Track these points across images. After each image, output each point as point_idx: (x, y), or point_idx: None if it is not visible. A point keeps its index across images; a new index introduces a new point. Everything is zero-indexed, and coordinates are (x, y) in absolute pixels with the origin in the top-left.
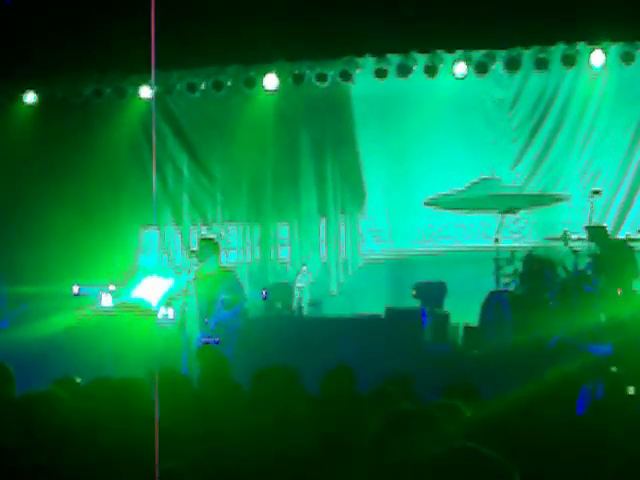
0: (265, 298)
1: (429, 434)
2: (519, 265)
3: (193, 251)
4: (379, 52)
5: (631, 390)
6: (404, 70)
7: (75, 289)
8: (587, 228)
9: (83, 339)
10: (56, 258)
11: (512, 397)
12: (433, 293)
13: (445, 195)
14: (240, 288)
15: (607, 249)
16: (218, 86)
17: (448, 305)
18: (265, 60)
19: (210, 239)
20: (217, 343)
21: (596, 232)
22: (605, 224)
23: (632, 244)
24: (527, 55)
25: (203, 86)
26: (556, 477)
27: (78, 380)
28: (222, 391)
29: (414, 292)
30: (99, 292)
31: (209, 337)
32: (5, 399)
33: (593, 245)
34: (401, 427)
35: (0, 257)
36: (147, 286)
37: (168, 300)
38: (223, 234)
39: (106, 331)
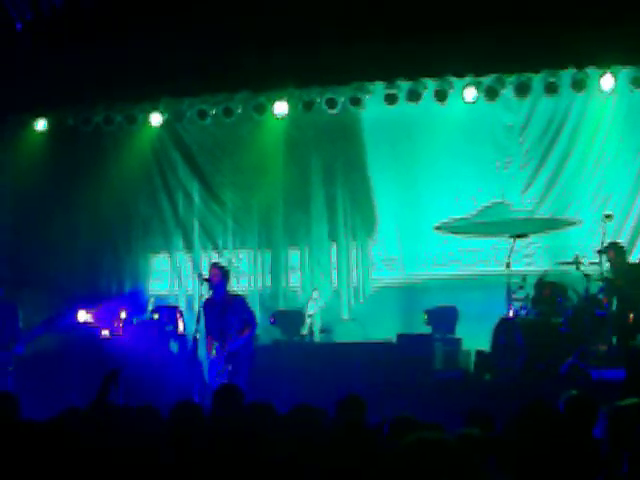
0: (274, 323)
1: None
2: (530, 290)
3: (201, 275)
4: (389, 78)
5: None
6: (414, 95)
7: (82, 316)
8: (609, 246)
9: None
10: (67, 283)
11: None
12: (445, 319)
13: (456, 220)
14: (251, 313)
15: (620, 272)
16: (228, 112)
17: (460, 330)
18: (275, 86)
19: (219, 264)
20: (228, 372)
21: (616, 250)
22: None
23: None
24: (537, 79)
25: (213, 112)
26: None
27: None
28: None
29: (426, 318)
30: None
31: (220, 369)
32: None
33: (607, 266)
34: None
35: (14, 281)
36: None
37: None
38: (234, 260)
39: None
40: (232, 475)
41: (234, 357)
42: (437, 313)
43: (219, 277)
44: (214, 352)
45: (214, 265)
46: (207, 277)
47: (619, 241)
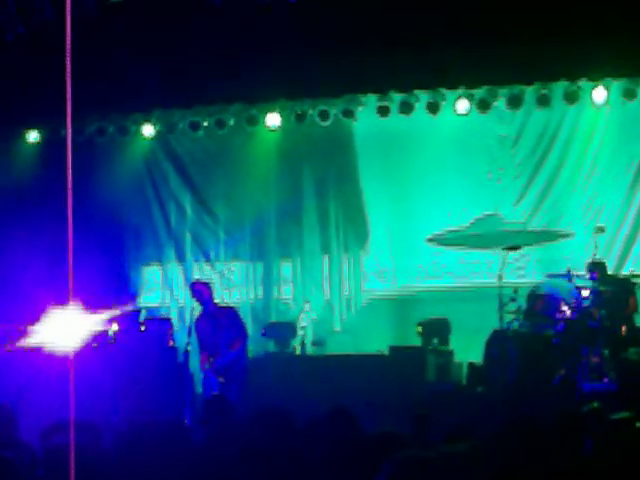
0: (265, 335)
1: None
2: (523, 302)
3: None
4: (381, 90)
5: None
6: (406, 107)
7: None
8: (589, 264)
9: None
10: (57, 295)
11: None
12: (437, 331)
13: (448, 232)
14: (242, 325)
15: (609, 285)
16: (221, 124)
17: (452, 343)
18: (267, 98)
19: (201, 282)
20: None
21: (597, 268)
22: (604, 260)
23: (635, 280)
24: (529, 92)
25: (206, 124)
26: None
27: None
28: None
29: (418, 330)
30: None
31: (214, 381)
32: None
33: (595, 281)
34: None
35: (3, 290)
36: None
37: None
38: (225, 272)
39: None
40: None
41: (226, 370)
42: (429, 325)
43: (205, 293)
44: (208, 365)
45: (196, 283)
46: (192, 295)
47: (597, 259)
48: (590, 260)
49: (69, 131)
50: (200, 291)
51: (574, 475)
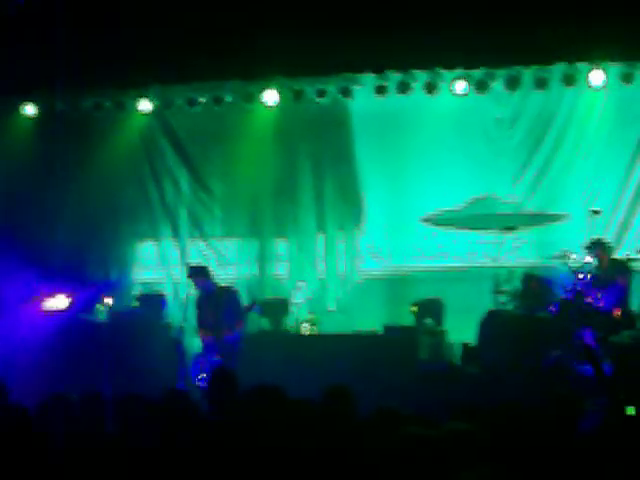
0: (259, 313)
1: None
2: (517, 283)
3: (190, 265)
4: (379, 69)
5: (631, 411)
6: (404, 87)
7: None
8: (596, 243)
9: None
10: (54, 270)
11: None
12: (431, 310)
13: (444, 212)
14: (242, 307)
15: (608, 266)
16: (218, 101)
17: (446, 323)
18: (265, 76)
19: (196, 269)
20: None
21: (603, 249)
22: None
23: (631, 264)
24: (527, 74)
25: (203, 101)
26: None
27: None
28: None
29: (413, 309)
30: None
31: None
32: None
33: (593, 261)
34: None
35: None
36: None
37: None
38: (221, 249)
39: None
40: (228, 461)
41: (224, 349)
42: (424, 305)
43: (202, 279)
44: (206, 343)
45: (191, 269)
46: (189, 275)
47: (605, 238)
48: (595, 238)
49: None
50: (198, 281)
51: (568, 456)
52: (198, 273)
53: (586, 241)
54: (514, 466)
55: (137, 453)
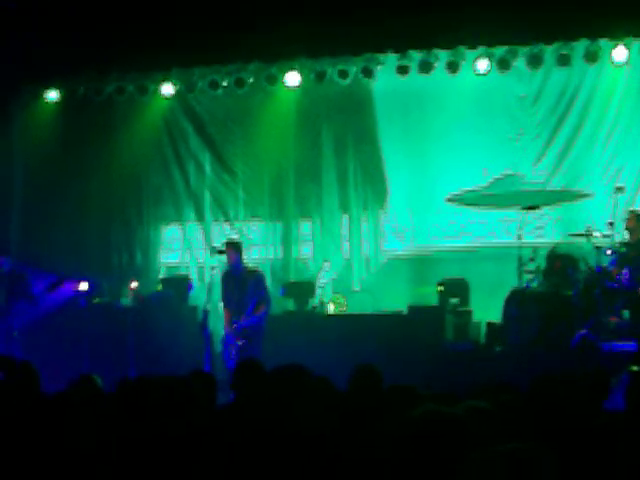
0: (284, 294)
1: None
2: (542, 262)
3: (215, 248)
4: (401, 48)
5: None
6: (426, 67)
7: (84, 285)
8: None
9: None
10: (78, 253)
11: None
12: (457, 290)
13: (467, 192)
14: (266, 291)
15: (630, 246)
16: (240, 83)
17: (471, 302)
18: (287, 57)
19: (233, 242)
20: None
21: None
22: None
23: None
24: (549, 51)
25: (225, 83)
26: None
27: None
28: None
29: (439, 289)
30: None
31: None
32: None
33: (620, 237)
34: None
35: (25, 251)
36: None
37: None
38: (245, 231)
39: None
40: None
41: (247, 332)
42: (449, 285)
43: (234, 254)
44: (232, 327)
45: (228, 245)
46: (221, 249)
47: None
48: (629, 210)
49: None
50: (230, 253)
51: (593, 434)
52: (234, 247)
53: (610, 218)
54: (537, 444)
55: (158, 440)
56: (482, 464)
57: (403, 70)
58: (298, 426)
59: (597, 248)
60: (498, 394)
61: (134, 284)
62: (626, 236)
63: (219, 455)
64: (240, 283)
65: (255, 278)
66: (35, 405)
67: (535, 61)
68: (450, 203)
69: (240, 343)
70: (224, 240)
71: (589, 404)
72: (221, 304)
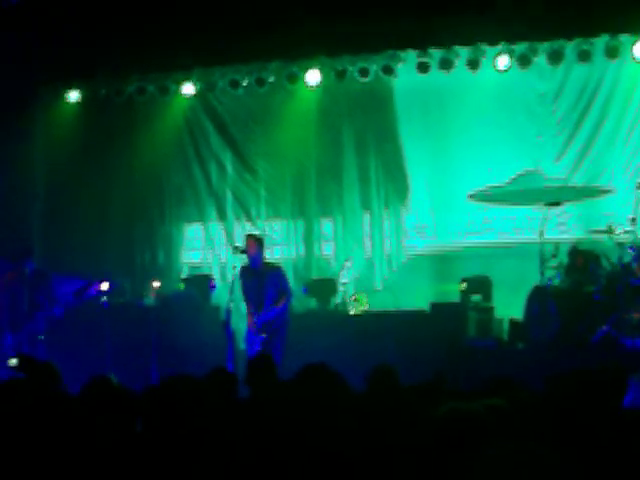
0: (307, 293)
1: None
2: (564, 258)
3: (237, 247)
4: (421, 46)
5: None
6: (446, 64)
7: (105, 285)
8: None
9: None
10: (100, 253)
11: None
12: (480, 287)
13: (489, 188)
14: (287, 284)
15: None
16: (260, 82)
17: (493, 299)
18: (307, 56)
19: (255, 235)
20: (263, 340)
21: None
22: None
23: None
24: (570, 47)
25: (245, 82)
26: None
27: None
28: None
29: (462, 286)
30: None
31: (256, 337)
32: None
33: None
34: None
35: (47, 252)
36: None
37: None
38: (267, 230)
39: None
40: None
41: (269, 326)
42: (472, 281)
43: (255, 248)
44: (254, 326)
45: (249, 237)
46: (243, 249)
47: None
48: None
49: None
50: (251, 245)
51: (611, 431)
52: (255, 239)
53: (632, 214)
54: (552, 442)
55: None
56: (496, 461)
57: (424, 67)
58: (311, 426)
59: (619, 244)
60: (503, 391)
61: (156, 284)
62: None
63: (229, 452)
64: (259, 277)
65: (274, 271)
66: (56, 405)
67: (556, 57)
68: (472, 200)
69: (265, 337)
70: (248, 233)
71: (607, 401)
72: (243, 303)
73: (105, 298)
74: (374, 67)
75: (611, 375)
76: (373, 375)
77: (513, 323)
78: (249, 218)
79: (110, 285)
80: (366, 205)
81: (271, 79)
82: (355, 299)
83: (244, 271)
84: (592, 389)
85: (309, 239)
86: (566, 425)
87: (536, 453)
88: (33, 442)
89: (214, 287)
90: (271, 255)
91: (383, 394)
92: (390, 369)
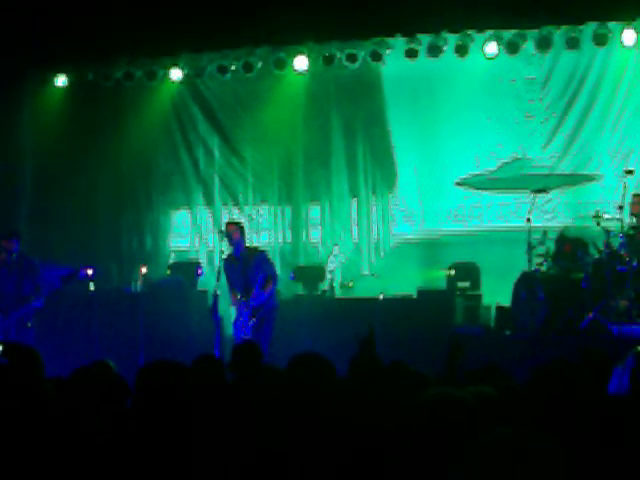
0: (294, 279)
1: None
2: (551, 245)
3: (222, 231)
4: (409, 32)
5: None
6: (435, 50)
7: (90, 271)
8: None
9: None
10: (87, 239)
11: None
12: (467, 274)
13: (476, 175)
14: (272, 267)
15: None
16: (248, 68)
17: (480, 285)
18: (295, 41)
19: (236, 222)
20: (253, 325)
21: None
22: None
23: None
24: (558, 34)
25: (233, 68)
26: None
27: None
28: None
29: (450, 272)
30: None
31: (245, 323)
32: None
33: (628, 221)
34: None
35: (34, 237)
36: None
37: None
38: (254, 215)
39: None
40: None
41: (258, 311)
42: (459, 268)
43: (237, 234)
44: (242, 299)
45: (230, 223)
46: (224, 233)
47: None
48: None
49: None
50: (233, 231)
51: (596, 418)
52: (236, 226)
53: (619, 201)
54: (540, 429)
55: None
56: (484, 447)
57: (412, 54)
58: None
59: (606, 231)
60: (487, 379)
61: (144, 269)
62: (632, 220)
63: (216, 436)
64: (243, 264)
65: (258, 256)
66: (36, 390)
67: (544, 44)
68: (459, 187)
69: (254, 322)
70: (228, 220)
71: (591, 388)
72: (230, 292)
73: (92, 284)
74: (362, 53)
75: (595, 362)
76: (353, 362)
77: (500, 310)
78: (236, 204)
79: (94, 270)
80: (354, 191)
81: (259, 65)
82: (351, 285)
83: (228, 261)
84: (575, 376)
85: (297, 225)
86: (550, 412)
87: (534, 438)
88: (16, 426)
89: (202, 274)
90: (258, 240)
91: (367, 380)
92: (370, 339)
